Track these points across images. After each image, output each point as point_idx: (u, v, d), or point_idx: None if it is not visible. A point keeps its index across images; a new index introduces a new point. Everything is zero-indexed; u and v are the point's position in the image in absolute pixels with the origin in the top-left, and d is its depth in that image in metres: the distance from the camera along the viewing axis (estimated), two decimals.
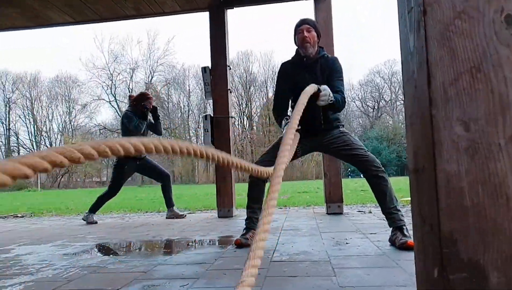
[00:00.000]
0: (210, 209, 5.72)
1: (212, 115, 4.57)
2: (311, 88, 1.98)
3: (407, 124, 1.03)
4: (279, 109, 2.73)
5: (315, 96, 2.25)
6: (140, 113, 4.55)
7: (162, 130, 4.95)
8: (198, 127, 36.74)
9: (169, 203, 4.68)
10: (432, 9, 0.90)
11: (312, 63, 2.66)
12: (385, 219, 2.55)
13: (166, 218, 4.68)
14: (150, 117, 4.71)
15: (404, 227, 2.44)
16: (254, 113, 39.47)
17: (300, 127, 2.04)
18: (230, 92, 4.68)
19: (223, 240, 2.92)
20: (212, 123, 4.51)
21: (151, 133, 4.82)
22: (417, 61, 0.94)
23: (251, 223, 2.70)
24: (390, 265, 1.91)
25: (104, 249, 2.78)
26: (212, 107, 4.67)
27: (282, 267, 1.95)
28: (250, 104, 39.11)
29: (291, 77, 2.66)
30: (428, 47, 0.89)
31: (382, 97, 42.84)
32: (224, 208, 4.54)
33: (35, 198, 12.79)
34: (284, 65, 2.78)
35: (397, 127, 38.16)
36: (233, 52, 38.96)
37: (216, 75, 4.58)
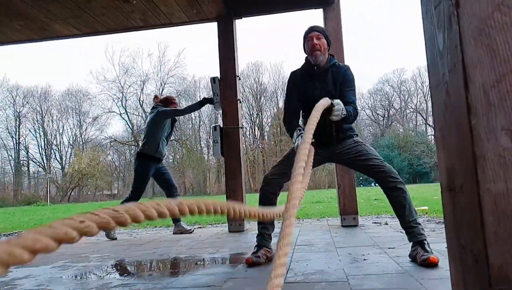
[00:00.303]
0: (220, 223, 5.59)
1: (221, 126, 4.47)
2: (324, 102, 1.85)
3: (438, 137, 0.90)
4: (290, 120, 2.62)
5: (328, 110, 2.12)
6: None
7: (169, 140, 4.88)
8: (209, 138, 36.77)
9: (175, 218, 4.55)
10: (465, 1, 0.78)
11: (322, 71, 2.54)
12: (402, 231, 2.40)
13: (173, 233, 4.55)
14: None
15: (425, 241, 2.29)
16: (265, 122, 39.48)
17: (314, 140, 1.92)
18: (240, 102, 4.57)
19: (234, 258, 2.78)
20: (221, 134, 4.41)
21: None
22: (449, 62, 0.81)
23: (263, 240, 2.56)
24: (413, 286, 1.76)
25: (107, 270, 2.65)
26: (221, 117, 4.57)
27: (297, 289, 1.81)
28: (261, 114, 39.16)
29: (301, 86, 2.55)
30: (463, 46, 0.76)
31: (392, 105, 42.64)
32: (235, 222, 4.40)
33: (43, 213, 12.74)
34: (293, 75, 2.66)
35: (408, 135, 37.86)
36: (243, 62, 39.09)
37: (225, 85, 4.49)
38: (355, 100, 2.48)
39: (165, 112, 4.41)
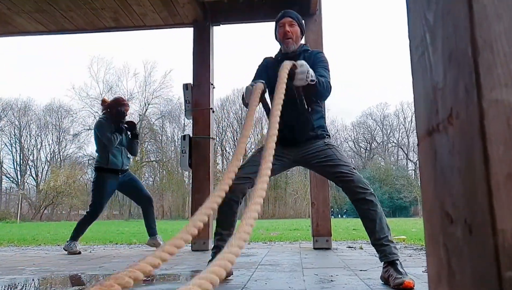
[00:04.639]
0: (187, 244, 5.21)
1: (191, 135, 4.18)
2: (286, 63, 1.74)
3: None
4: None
5: (290, 75, 1.82)
6: (115, 120, 4.05)
7: (138, 151, 4.50)
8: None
9: (151, 231, 4.16)
10: None
11: (293, 56, 2.31)
12: (377, 254, 2.13)
13: (146, 244, 4.30)
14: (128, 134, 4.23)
15: (398, 261, 2.02)
16: (248, 149, 39.24)
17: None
18: (213, 111, 4.31)
19: (184, 275, 2.45)
20: (190, 144, 4.11)
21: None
22: None
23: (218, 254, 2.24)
24: None
25: (31, 284, 2.29)
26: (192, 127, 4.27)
27: None
28: None
29: (270, 70, 2.30)
30: None
31: (374, 138, 42.99)
32: (199, 240, 4.05)
33: (7, 230, 11.95)
34: (265, 59, 2.47)
35: (389, 169, 38.05)
36: (228, 89, 39.09)
37: (198, 93, 4.23)
38: (328, 76, 2.19)
39: (99, 134, 4.02)
